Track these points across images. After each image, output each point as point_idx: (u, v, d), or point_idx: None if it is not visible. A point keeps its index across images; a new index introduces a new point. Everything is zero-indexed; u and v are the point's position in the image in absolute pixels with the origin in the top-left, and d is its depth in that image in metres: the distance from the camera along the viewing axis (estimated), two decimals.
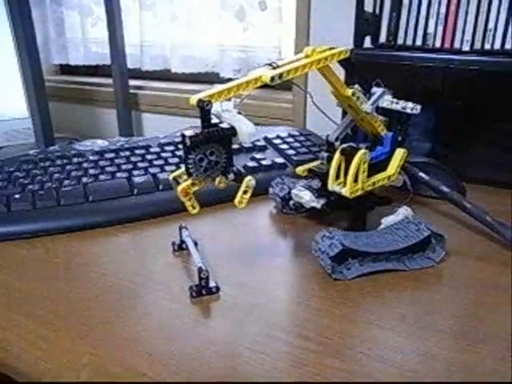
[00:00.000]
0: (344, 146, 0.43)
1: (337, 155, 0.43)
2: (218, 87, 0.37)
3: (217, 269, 0.41)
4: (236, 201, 0.38)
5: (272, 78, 0.38)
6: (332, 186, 0.43)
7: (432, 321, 0.35)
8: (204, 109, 0.35)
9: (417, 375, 0.30)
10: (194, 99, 0.35)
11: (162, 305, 0.37)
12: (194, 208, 0.39)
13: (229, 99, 0.38)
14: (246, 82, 0.38)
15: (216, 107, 0.37)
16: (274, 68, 0.39)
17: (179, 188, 0.38)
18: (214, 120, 0.37)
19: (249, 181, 0.38)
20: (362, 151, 0.42)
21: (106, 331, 0.34)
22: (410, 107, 0.45)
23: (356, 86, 0.45)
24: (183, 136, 0.36)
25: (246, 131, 0.37)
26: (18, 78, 0.88)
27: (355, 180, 0.43)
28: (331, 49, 0.43)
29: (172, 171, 0.41)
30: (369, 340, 0.33)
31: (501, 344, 0.32)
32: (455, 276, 0.41)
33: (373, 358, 0.31)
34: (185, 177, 0.38)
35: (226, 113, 0.38)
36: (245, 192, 0.38)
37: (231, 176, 0.38)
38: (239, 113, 0.38)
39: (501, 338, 0.33)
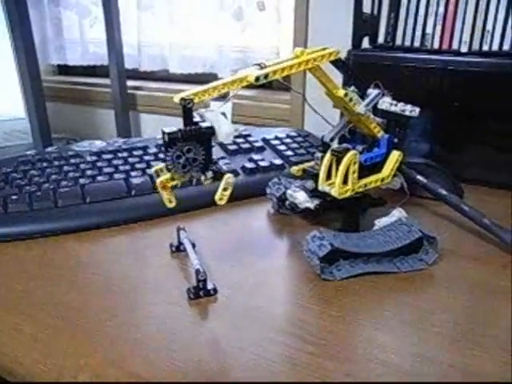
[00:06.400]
0: (334, 146, 0.43)
1: (327, 156, 0.43)
2: (203, 86, 0.37)
3: (214, 270, 0.41)
4: (216, 197, 0.39)
5: (257, 78, 0.38)
6: (322, 186, 0.43)
7: (428, 322, 0.35)
8: (186, 107, 0.36)
9: (413, 377, 0.30)
10: (177, 97, 0.36)
11: (160, 306, 0.37)
12: (170, 202, 0.40)
13: (217, 99, 0.39)
14: (231, 81, 0.38)
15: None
16: (262, 68, 0.40)
17: (158, 180, 0.39)
18: (199, 119, 0.38)
19: (228, 178, 0.39)
20: (352, 152, 0.42)
21: (103, 333, 0.34)
22: (409, 110, 0.45)
23: (352, 87, 0.45)
24: (163, 132, 0.37)
25: (224, 130, 0.38)
26: (15, 79, 0.88)
27: (345, 181, 0.43)
28: (323, 50, 0.43)
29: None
30: (364, 341, 0.33)
31: (498, 346, 0.32)
32: (451, 277, 0.41)
33: (368, 359, 0.31)
34: (166, 171, 0.39)
35: (208, 113, 0.39)
36: (225, 189, 0.39)
37: (210, 174, 0.39)
38: (223, 113, 0.39)
39: (498, 340, 0.33)
